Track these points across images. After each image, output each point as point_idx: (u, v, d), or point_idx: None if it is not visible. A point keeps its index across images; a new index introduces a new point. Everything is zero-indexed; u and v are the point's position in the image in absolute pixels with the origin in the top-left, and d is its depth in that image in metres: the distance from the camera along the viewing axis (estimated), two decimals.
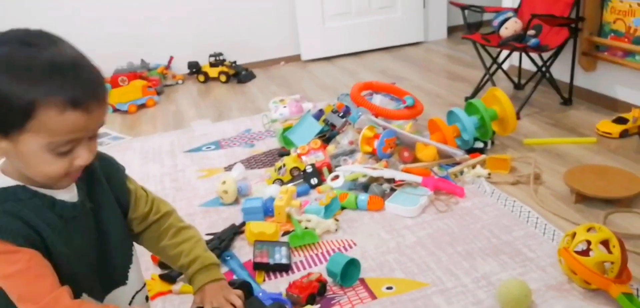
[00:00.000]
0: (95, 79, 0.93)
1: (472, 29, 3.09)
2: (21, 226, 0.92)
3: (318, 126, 2.51)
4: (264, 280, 1.68)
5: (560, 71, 3.01)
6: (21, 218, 0.92)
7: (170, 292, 1.65)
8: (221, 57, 4.22)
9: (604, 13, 2.73)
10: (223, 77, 4.15)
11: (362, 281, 1.61)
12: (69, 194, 0.99)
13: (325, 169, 2.24)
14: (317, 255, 1.78)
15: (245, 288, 1.18)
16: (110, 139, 3.13)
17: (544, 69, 2.82)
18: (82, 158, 0.94)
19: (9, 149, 0.90)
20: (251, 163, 2.55)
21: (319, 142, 2.33)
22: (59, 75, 0.87)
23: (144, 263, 1.78)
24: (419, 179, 2.03)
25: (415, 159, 2.25)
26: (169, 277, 1.69)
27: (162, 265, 1.76)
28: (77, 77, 0.89)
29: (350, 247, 1.80)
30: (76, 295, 0.97)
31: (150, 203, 1.18)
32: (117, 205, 1.11)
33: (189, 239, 1.19)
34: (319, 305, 1.51)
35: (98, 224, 1.06)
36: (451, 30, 4.90)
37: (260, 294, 1.57)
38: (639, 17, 2.52)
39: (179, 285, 1.68)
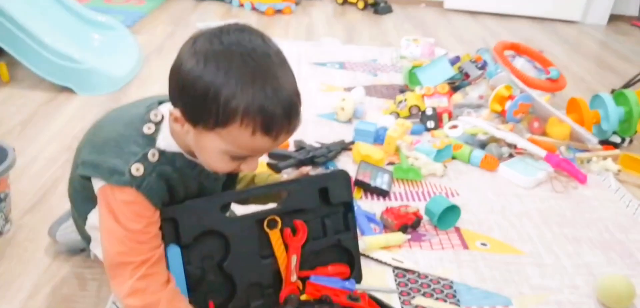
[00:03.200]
0: (297, 116, 0.93)
1: None
2: (166, 191, 1.00)
3: (451, 71, 2.43)
4: (361, 198, 1.72)
5: None
6: (169, 183, 1.00)
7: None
8: None
9: None
10: (361, 4, 4.14)
11: (457, 229, 1.59)
12: None
13: (445, 116, 2.20)
14: (417, 192, 1.78)
15: None
16: None
17: None
18: (249, 167, 0.97)
19: (189, 134, 0.94)
20: (371, 91, 2.56)
21: (446, 87, 2.27)
22: (272, 101, 0.87)
23: None
24: (543, 153, 1.92)
25: (544, 133, 2.13)
26: (276, 167, 1.78)
27: (271, 155, 1.85)
28: (286, 114, 0.89)
29: (453, 196, 1.77)
30: None
31: None
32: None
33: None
34: (409, 236, 1.52)
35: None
36: (613, 18, 4.43)
37: (356, 208, 1.61)
38: None
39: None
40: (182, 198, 1.04)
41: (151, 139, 0.98)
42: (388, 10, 4.14)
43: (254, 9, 3.83)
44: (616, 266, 1.49)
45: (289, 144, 1.95)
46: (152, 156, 0.97)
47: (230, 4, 3.93)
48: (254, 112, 0.86)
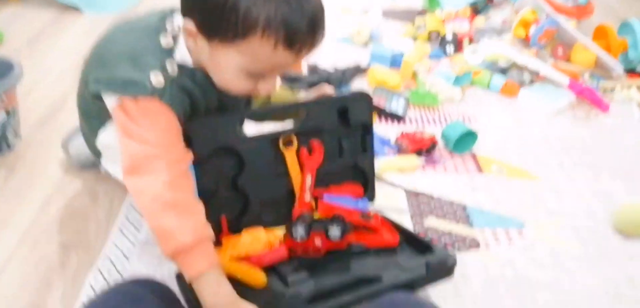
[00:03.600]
0: (322, 30, 0.88)
1: None
2: (188, 103, 0.95)
3: None
4: (376, 122, 1.68)
5: None
6: (191, 97, 0.95)
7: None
8: None
9: None
10: None
11: (473, 154, 1.55)
12: None
13: (466, 40, 2.12)
14: (433, 118, 1.74)
15: None
16: None
17: None
18: (267, 86, 0.92)
19: (203, 50, 0.89)
20: (388, 14, 2.48)
21: (469, 11, 2.18)
22: (296, 13, 0.82)
23: None
24: (566, 80, 1.85)
25: (569, 60, 2.04)
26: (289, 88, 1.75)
27: (284, 79, 1.82)
28: (311, 27, 0.84)
29: (470, 121, 1.72)
30: None
31: None
32: None
33: None
34: (423, 159, 1.49)
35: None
36: None
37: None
38: None
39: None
40: (203, 113, 1.01)
41: (168, 52, 0.93)
42: None
43: None
44: (636, 195, 1.44)
45: (302, 67, 1.91)
46: (172, 69, 0.92)
47: None
48: (276, 24, 0.81)
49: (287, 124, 1.15)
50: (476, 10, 2.29)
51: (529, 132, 1.69)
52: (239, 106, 1.11)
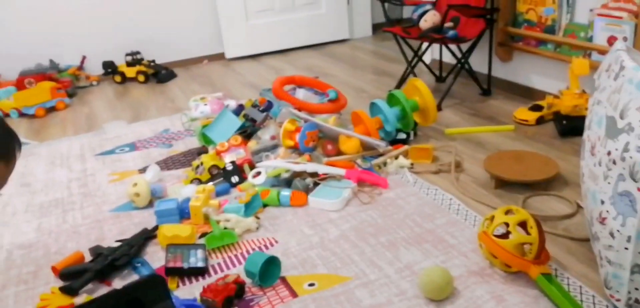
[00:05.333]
0: (13, 133, 1.00)
1: (393, 23, 3.10)
2: None
3: (238, 121, 2.40)
4: (178, 286, 1.55)
5: (478, 62, 3.08)
6: None
7: (72, 305, 1.50)
8: (139, 56, 4.01)
9: (517, 4, 2.81)
10: (141, 77, 3.94)
11: (283, 279, 1.52)
12: None
13: (246, 167, 2.14)
14: (236, 255, 1.68)
15: None
16: None
17: (462, 60, 2.86)
18: None
19: None
20: (169, 163, 2.41)
21: (239, 138, 2.23)
22: None
23: (44, 277, 1.63)
24: (342, 172, 1.98)
25: (339, 152, 2.20)
26: (70, 289, 1.53)
27: (63, 276, 1.60)
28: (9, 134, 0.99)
29: (272, 245, 1.71)
30: None
31: None
32: None
33: None
34: None
35: None
36: (376, 27, 4.93)
37: (175, 299, 1.45)
38: (550, 6, 2.61)
39: (82, 297, 1.52)
40: None
41: None
42: (171, 76, 4.01)
43: (21, 114, 3.38)
44: (432, 256, 1.56)
45: (84, 255, 1.71)
46: None
47: None
48: None
49: None
50: (246, 135, 2.35)
51: (327, 234, 1.73)
52: None
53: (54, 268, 1.64)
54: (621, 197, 1.18)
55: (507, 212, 1.48)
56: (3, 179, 0.96)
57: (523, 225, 1.45)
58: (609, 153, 1.21)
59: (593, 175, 1.30)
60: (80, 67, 3.97)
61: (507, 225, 1.45)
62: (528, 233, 1.43)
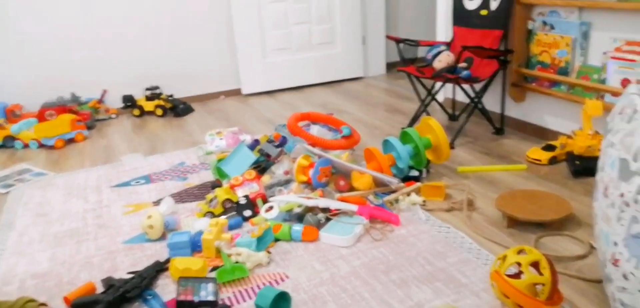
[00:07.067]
0: None
1: (407, 62, 3.14)
2: None
3: (252, 156, 2.43)
4: None
5: (491, 102, 3.10)
6: None
7: None
8: (157, 91, 4.09)
9: (530, 46, 2.83)
10: (159, 111, 4.01)
11: None
12: None
13: (259, 201, 2.16)
14: (247, 290, 1.68)
15: None
16: (31, 175, 2.92)
17: (476, 100, 2.88)
18: None
19: None
20: (183, 196, 2.44)
21: (253, 173, 2.25)
22: None
23: (56, 307, 1.65)
24: (354, 208, 1.98)
25: (351, 188, 2.21)
26: None
27: (74, 307, 1.62)
28: None
29: (283, 280, 1.71)
30: None
31: None
32: None
33: None
34: None
35: None
36: (390, 66, 4.99)
37: None
38: (563, 49, 2.62)
39: None
40: None
41: None
42: (188, 110, 4.08)
43: (41, 145, 3.46)
44: (444, 295, 1.55)
45: (96, 286, 1.73)
46: None
47: (13, 148, 3.49)
48: None
49: None
50: (260, 169, 2.38)
51: (337, 270, 1.73)
52: None
53: (66, 299, 1.66)
54: (635, 239, 1.17)
55: (520, 252, 1.47)
56: None
57: (535, 265, 1.44)
58: (622, 195, 1.21)
59: (606, 217, 1.30)
60: (101, 101, 4.07)
61: (519, 264, 1.44)
62: (541, 274, 1.41)
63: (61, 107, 3.68)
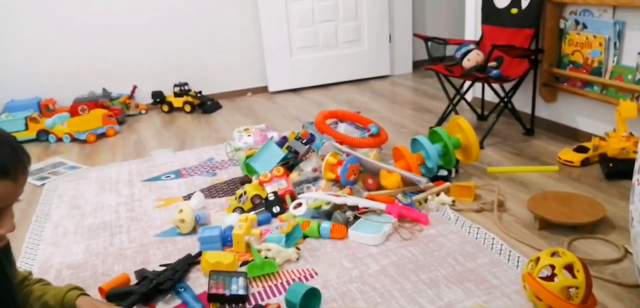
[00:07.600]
0: (25, 152, 1.03)
1: (435, 61, 3.12)
2: None
3: (281, 153, 2.45)
4: None
5: (522, 102, 3.06)
6: None
7: None
8: (186, 87, 4.15)
9: (562, 45, 2.79)
10: (188, 107, 4.07)
11: None
12: None
13: (288, 197, 2.18)
14: (276, 285, 1.70)
15: None
16: (65, 168, 3.00)
17: (505, 100, 2.85)
18: (6, 227, 1.02)
19: None
20: (212, 192, 2.47)
21: (281, 169, 2.27)
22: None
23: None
24: (382, 206, 1.98)
25: (380, 187, 2.21)
26: None
27: (110, 297, 1.65)
28: (14, 149, 1.00)
29: (312, 277, 1.72)
30: None
31: None
32: None
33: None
34: None
35: None
36: (416, 64, 4.96)
37: None
38: (596, 48, 2.58)
39: None
40: None
41: None
42: (216, 107, 4.13)
43: (73, 139, 3.54)
44: (474, 296, 1.55)
45: (130, 277, 1.77)
46: None
47: (47, 141, 3.59)
48: None
49: None
50: (288, 166, 2.40)
51: (366, 269, 1.74)
52: None
53: (101, 289, 1.70)
54: None
55: (553, 254, 1.45)
56: (13, 196, 1.01)
57: (569, 268, 1.42)
58: None
59: None
60: (131, 96, 4.14)
61: (552, 267, 1.42)
62: (574, 277, 1.40)
63: (93, 102, 3.77)
